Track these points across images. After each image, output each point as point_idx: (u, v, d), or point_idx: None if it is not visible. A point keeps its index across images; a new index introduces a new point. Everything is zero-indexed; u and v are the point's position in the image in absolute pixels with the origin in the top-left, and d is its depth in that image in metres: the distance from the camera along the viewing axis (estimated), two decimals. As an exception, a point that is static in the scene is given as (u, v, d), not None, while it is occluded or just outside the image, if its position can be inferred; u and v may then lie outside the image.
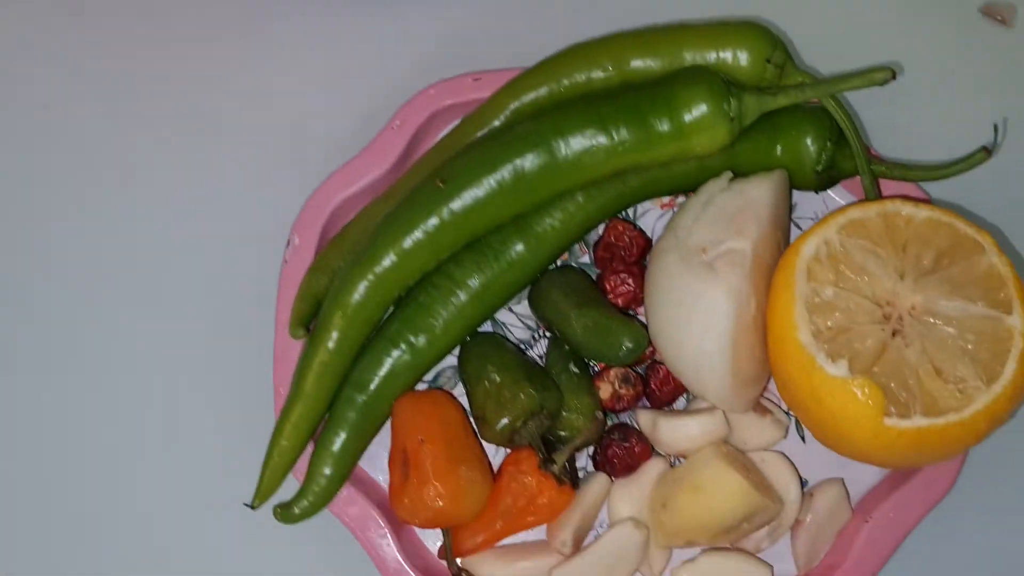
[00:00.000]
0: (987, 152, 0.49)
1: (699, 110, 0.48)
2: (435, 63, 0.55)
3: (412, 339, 0.50)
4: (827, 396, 0.44)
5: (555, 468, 0.49)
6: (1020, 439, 0.52)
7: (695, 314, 0.46)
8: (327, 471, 0.49)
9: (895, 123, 0.55)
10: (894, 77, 0.48)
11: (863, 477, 0.52)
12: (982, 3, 0.57)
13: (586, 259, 0.54)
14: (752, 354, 0.47)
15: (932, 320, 0.45)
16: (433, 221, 0.48)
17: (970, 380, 0.43)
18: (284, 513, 0.48)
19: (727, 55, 0.50)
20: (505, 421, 0.48)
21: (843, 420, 0.44)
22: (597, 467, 0.51)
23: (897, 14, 0.57)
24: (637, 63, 0.50)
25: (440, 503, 0.47)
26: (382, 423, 0.50)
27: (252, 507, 0.49)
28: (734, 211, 0.47)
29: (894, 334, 0.45)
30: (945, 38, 0.56)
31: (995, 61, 0.56)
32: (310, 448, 0.50)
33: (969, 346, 0.44)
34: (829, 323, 0.45)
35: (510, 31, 0.57)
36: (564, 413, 0.50)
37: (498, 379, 0.49)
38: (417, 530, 0.52)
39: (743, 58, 0.50)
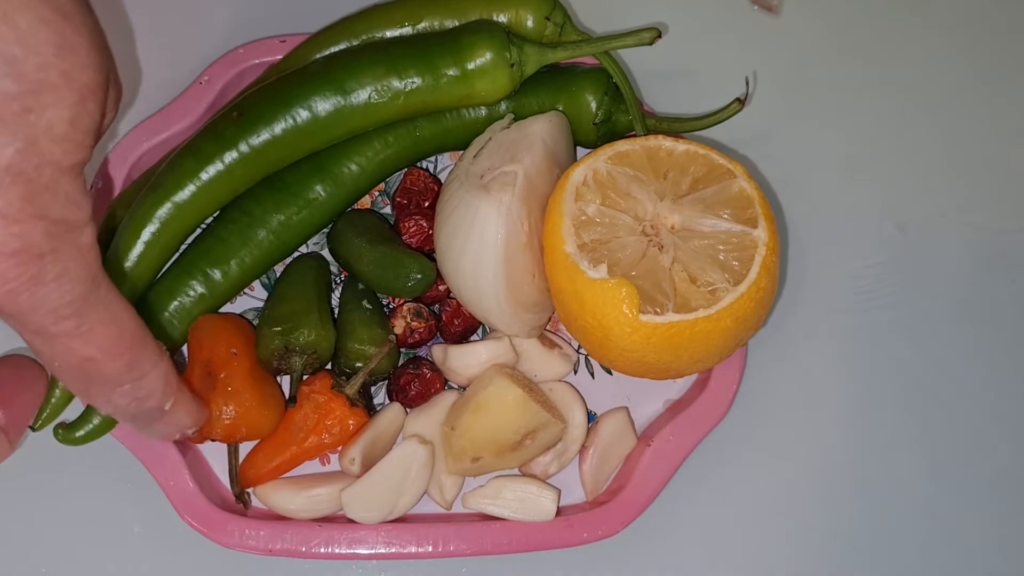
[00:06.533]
0: (740, 102, 0.54)
1: (482, 57, 0.52)
2: (250, 28, 0.59)
3: (208, 271, 0.51)
4: (590, 298, 0.47)
5: (347, 390, 0.50)
6: (782, 379, 0.57)
7: (472, 232, 0.49)
8: (115, 397, 0.49)
9: (675, 93, 0.61)
10: (660, 36, 0.53)
11: (647, 409, 0.55)
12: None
13: (388, 210, 0.57)
14: (530, 278, 0.50)
15: (689, 235, 0.49)
16: (231, 153, 0.50)
17: (719, 283, 0.47)
18: (65, 435, 0.48)
19: (511, 14, 0.54)
20: (262, 355, 0.50)
21: (604, 318, 0.47)
22: (392, 398, 0.53)
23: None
24: (429, 22, 0.55)
25: (249, 411, 0.48)
26: (174, 351, 0.51)
27: (33, 428, 0.48)
28: (510, 143, 0.51)
29: (654, 246, 0.48)
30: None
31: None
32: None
33: (720, 256, 0.48)
34: (593, 236, 0.48)
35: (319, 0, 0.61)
36: (356, 346, 0.51)
37: (267, 312, 0.51)
38: (209, 461, 0.52)
39: (525, 16, 0.54)
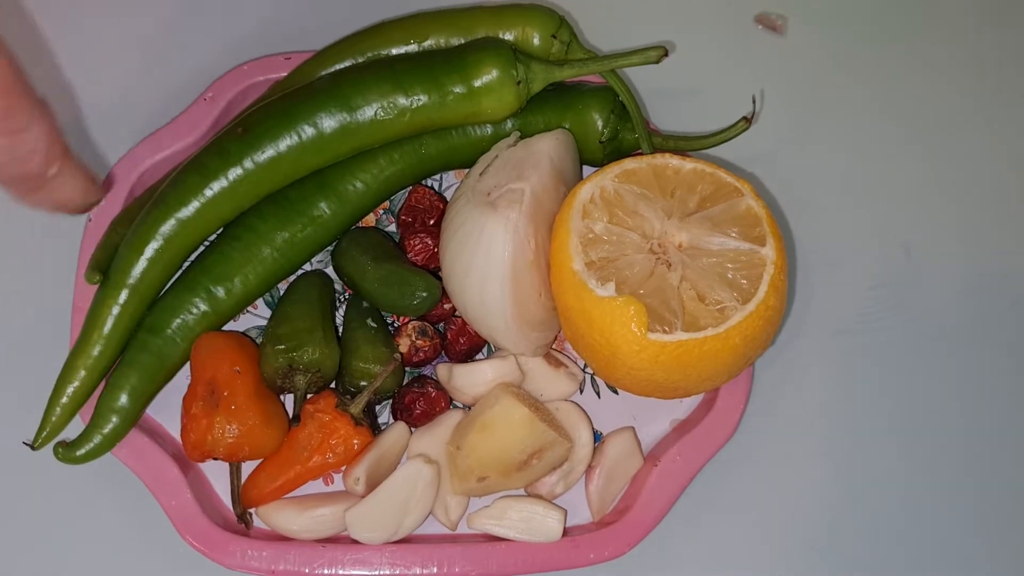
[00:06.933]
0: (747, 121, 0.54)
1: (489, 74, 0.51)
2: (254, 45, 0.59)
3: (211, 288, 0.51)
4: (597, 316, 0.46)
5: (351, 409, 0.49)
6: (788, 399, 0.56)
7: (478, 249, 0.48)
8: (115, 412, 0.48)
9: (680, 112, 0.61)
10: (666, 55, 0.53)
11: (654, 429, 0.54)
12: (757, 12, 0.64)
13: (393, 228, 0.57)
14: (536, 296, 0.50)
15: (697, 253, 0.48)
16: (235, 170, 0.50)
17: (728, 302, 0.47)
18: (66, 453, 0.47)
19: (517, 32, 0.54)
20: (266, 372, 0.50)
21: (612, 336, 0.46)
22: (397, 416, 0.52)
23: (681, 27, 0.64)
24: (436, 39, 0.55)
25: (252, 430, 0.48)
26: (176, 369, 0.51)
27: (33, 447, 0.48)
28: (517, 161, 0.51)
29: (661, 264, 0.48)
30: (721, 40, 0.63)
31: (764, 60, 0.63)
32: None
33: (729, 274, 0.48)
34: (600, 254, 0.48)
35: (324, 18, 0.61)
36: (361, 364, 0.51)
37: (271, 330, 0.50)
38: (211, 480, 0.51)
39: (532, 34, 0.54)
